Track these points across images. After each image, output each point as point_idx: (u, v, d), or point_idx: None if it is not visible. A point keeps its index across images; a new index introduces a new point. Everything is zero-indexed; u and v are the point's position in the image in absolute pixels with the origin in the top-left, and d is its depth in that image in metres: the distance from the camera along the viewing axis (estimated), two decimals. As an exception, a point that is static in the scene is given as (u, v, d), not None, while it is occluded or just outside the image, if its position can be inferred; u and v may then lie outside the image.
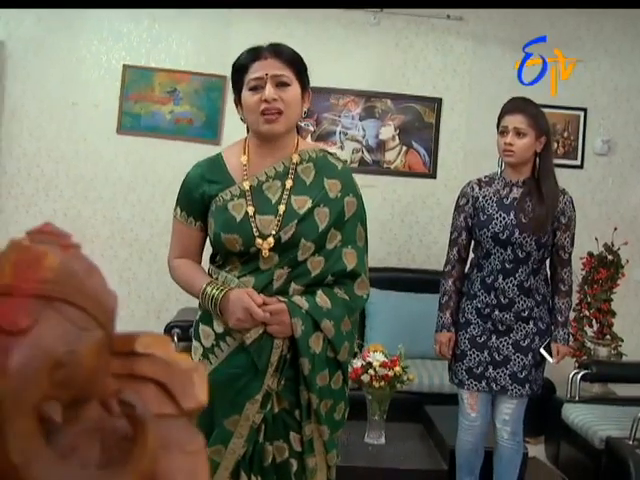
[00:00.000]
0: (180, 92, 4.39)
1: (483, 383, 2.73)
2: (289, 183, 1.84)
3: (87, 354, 0.64)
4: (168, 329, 3.74)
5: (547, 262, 2.77)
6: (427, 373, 3.79)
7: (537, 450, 3.68)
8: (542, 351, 2.71)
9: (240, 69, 1.84)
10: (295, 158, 1.87)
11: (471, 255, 2.86)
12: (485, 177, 2.82)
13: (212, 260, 1.94)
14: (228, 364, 1.79)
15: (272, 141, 1.86)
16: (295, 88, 1.83)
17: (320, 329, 1.79)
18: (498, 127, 2.73)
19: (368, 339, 3.90)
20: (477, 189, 2.77)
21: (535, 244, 2.66)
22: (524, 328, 2.70)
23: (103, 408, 0.68)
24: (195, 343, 1.89)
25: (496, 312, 2.70)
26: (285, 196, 1.83)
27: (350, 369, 2.76)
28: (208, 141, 4.28)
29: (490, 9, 4.39)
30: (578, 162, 4.58)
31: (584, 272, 4.14)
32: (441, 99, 4.53)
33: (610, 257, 4.11)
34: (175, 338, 3.62)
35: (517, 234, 2.65)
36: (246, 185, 1.84)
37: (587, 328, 4.15)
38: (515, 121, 2.65)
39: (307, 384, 1.80)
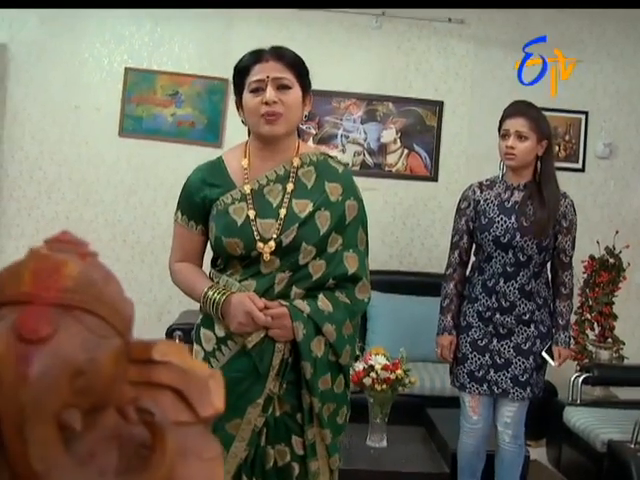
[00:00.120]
0: (182, 95, 4.39)
1: (484, 386, 2.72)
2: (290, 187, 1.84)
3: (106, 362, 0.65)
4: (170, 332, 3.74)
5: (548, 265, 2.77)
6: (429, 376, 3.79)
7: (539, 453, 3.68)
8: (544, 354, 2.71)
9: (241, 71, 1.85)
10: (296, 161, 1.87)
11: (472, 258, 2.86)
12: (486, 180, 2.82)
13: (213, 264, 1.93)
14: (229, 368, 1.78)
15: (273, 144, 1.86)
16: (296, 91, 1.83)
17: (322, 333, 1.79)
18: (499, 130, 2.73)
19: (370, 342, 3.90)
20: (478, 192, 2.77)
21: (536, 247, 2.66)
22: (525, 331, 2.70)
23: (120, 415, 0.69)
24: (196, 347, 1.89)
25: (497, 315, 2.70)
26: (286, 200, 1.83)
27: (352, 372, 2.76)
28: (210, 144, 4.28)
29: (492, 12, 4.39)
30: (580, 165, 4.58)
31: (585, 275, 4.14)
32: (443, 102, 4.53)
33: (612, 260, 4.10)
34: (177, 340, 3.62)
35: (518, 237, 2.65)
36: (247, 189, 1.84)
37: (588, 331, 4.15)
38: (517, 124, 2.65)
39: (309, 388, 1.80)
